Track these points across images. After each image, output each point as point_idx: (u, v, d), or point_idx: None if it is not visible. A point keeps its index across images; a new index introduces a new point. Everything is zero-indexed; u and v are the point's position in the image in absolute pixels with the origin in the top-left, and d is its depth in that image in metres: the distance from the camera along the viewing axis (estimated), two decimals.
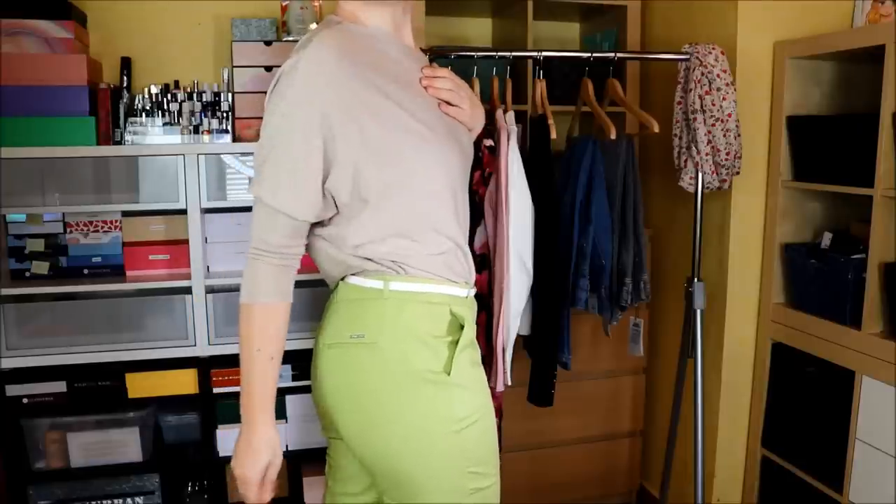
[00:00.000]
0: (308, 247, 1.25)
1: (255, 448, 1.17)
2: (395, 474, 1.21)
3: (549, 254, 1.85)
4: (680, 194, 2.05)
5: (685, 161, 1.93)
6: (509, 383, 1.83)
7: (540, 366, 1.92)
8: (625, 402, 2.43)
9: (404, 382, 1.18)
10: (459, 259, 1.27)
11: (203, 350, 1.98)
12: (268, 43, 2.08)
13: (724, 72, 1.81)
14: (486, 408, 1.25)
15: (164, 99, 2.01)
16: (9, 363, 1.89)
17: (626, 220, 1.92)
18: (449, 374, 1.19)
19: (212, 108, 2.03)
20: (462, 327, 1.24)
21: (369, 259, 1.21)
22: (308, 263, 2.08)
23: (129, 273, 2.03)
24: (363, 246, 1.20)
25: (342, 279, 1.25)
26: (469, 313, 1.28)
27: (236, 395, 1.99)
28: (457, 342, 1.22)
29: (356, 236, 1.20)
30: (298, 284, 2.04)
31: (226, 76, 2.12)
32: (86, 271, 2.02)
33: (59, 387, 1.91)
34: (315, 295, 2.05)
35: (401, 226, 1.20)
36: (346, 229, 1.20)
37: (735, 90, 1.85)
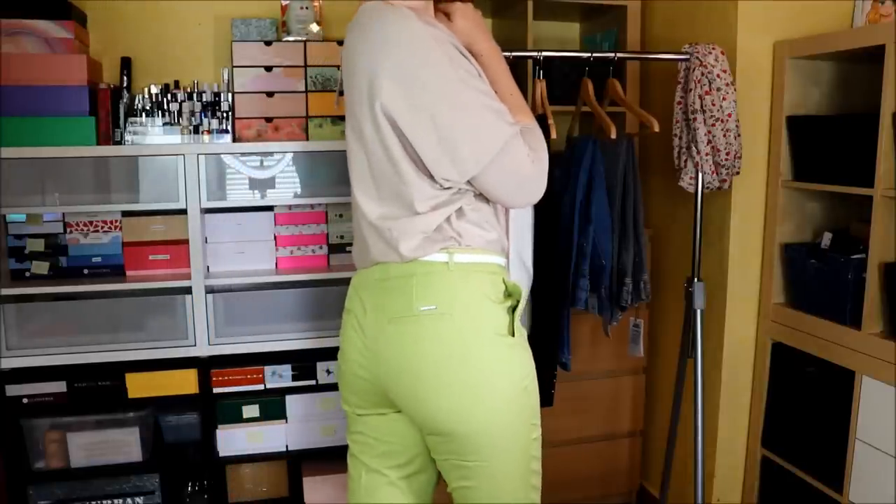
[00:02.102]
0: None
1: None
2: (472, 435, 1.24)
3: (549, 254, 1.85)
4: (680, 194, 2.05)
5: (685, 161, 1.93)
6: None
7: (540, 366, 1.88)
8: (625, 402, 2.43)
9: (479, 344, 1.23)
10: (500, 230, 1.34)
11: (203, 350, 1.98)
12: (268, 43, 2.08)
13: (724, 72, 1.81)
14: (533, 365, 1.35)
15: (164, 99, 2.01)
16: (9, 363, 1.89)
17: (626, 220, 1.92)
18: (513, 335, 1.27)
19: (212, 108, 2.03)
20: (510, 295, 1.30)
21: (439, 231, 1.25)
22: (304, 265, 2.06)
23: (129, 273, 2.03)
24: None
25: (408, 260, 1.25)
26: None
27: (236, 394, 2.01)
28: (513, 308, 1.29)
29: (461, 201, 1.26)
30: (298, 284, 2.06)
31: (226, 76, 2.12)
32: (86, 271, 2.02)
33: (59, 387, 1.92)
34: (315, 295, 2.05)
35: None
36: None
37: (735, 90, 1.85)
